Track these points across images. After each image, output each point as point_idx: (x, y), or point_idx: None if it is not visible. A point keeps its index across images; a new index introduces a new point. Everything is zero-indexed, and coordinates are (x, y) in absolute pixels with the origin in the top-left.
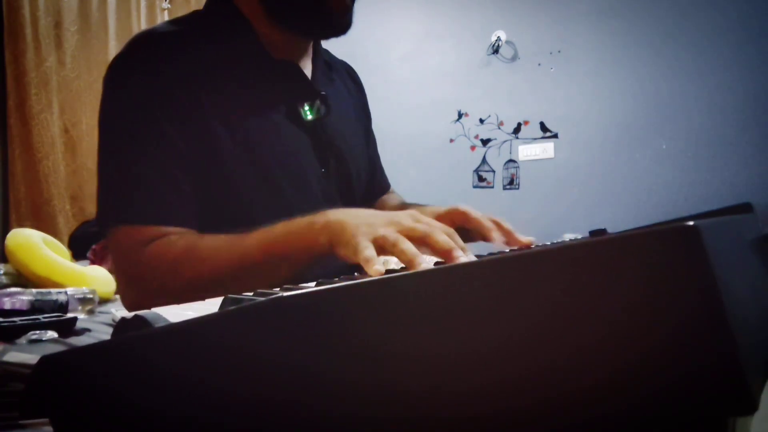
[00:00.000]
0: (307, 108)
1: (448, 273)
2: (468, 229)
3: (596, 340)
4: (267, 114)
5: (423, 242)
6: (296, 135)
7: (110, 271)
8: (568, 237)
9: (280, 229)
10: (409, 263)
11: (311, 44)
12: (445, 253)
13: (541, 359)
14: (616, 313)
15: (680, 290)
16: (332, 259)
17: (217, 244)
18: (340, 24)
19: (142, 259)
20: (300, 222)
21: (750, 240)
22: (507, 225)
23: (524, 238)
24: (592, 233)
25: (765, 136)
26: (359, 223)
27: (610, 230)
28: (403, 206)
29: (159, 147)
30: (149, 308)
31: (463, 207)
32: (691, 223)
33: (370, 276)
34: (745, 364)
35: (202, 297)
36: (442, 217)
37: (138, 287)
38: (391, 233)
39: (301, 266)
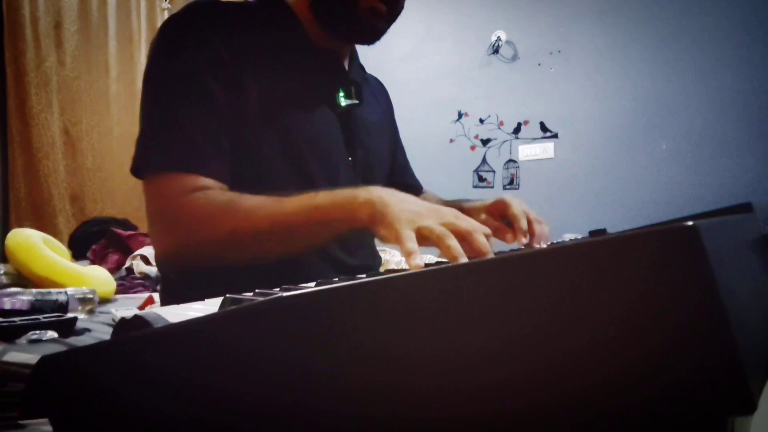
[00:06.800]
0: (341, 94)
1: (448, 273)
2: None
3: (597, 340)
4: (303, 93)
5: (463, 239)
6: (328, 118)
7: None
8: (568, 237)
9: (324, 196)
10: (452, 261)
11: (350, 47)
12: (481, 255)
13: (542, 359)
14: (617, 313)
15: (680, 290)
16: (362, 234)
17: (258, 202)
18: (370, 32)
19: (181, 207)
20: (344, 193)
21: (750, 240)
22: (540, 229)
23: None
24: (592, 233)
25: (765, 136)
26: (403, 208)
27: (610, 230)
28: (445, 204)
29: (202, 101)
30: (182, 257)
31: (509, 198)
32: (690, 223)
33: (410, 267)
34: (746, 364)
35: (238, 251)
36: (489, 207)
37: (174, 235)
38: (436, 226)
39: (337, 236)
